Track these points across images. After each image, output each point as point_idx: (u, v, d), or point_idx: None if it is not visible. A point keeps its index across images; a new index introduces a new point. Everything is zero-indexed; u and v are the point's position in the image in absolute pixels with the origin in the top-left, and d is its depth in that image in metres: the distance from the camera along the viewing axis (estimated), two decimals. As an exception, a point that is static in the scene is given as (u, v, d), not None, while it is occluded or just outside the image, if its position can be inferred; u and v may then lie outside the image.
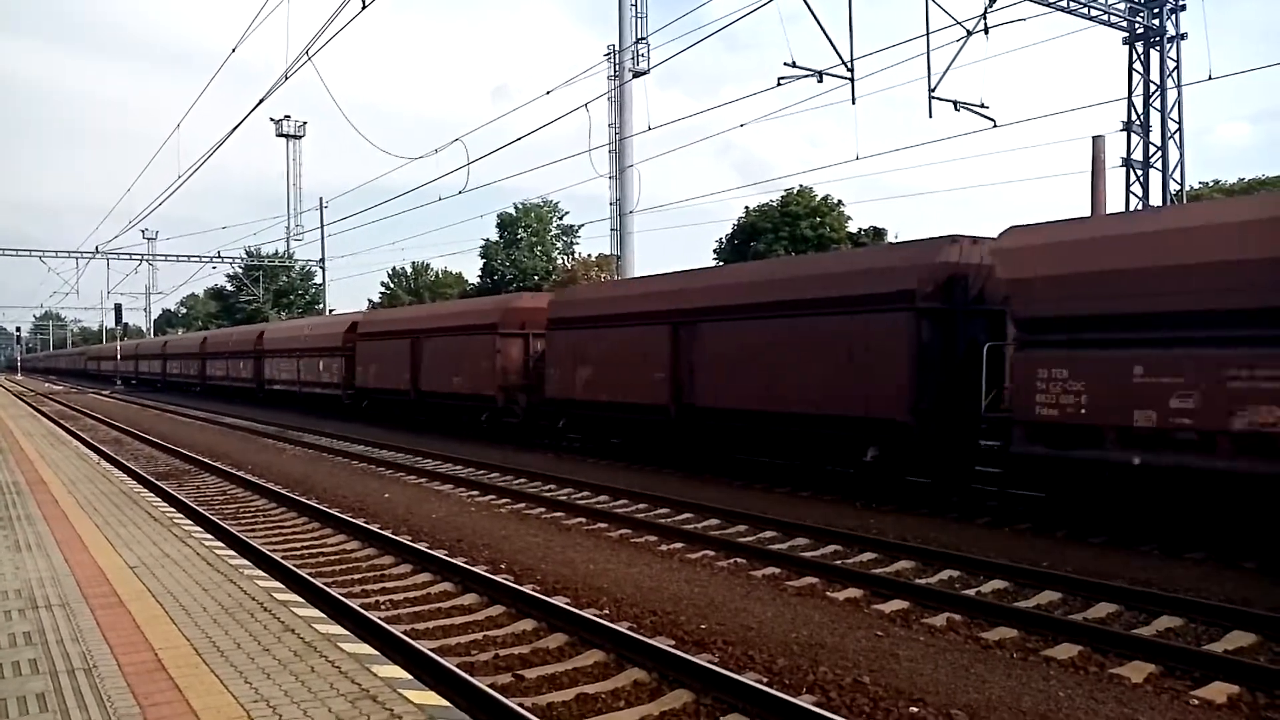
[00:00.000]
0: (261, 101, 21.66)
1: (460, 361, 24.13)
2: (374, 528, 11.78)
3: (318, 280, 67.81)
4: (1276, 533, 9.64)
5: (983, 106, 18.13)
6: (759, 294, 15.68)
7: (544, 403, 21.16)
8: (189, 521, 10.28)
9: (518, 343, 22.66)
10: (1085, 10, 17.95)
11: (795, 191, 59.15)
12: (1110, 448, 10.76)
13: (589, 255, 64.61)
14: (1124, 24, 18.30)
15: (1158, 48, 18.15)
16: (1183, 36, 18.14)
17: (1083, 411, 10.93)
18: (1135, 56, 18.36)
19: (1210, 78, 17.62)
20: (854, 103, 17.49)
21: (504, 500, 14.56)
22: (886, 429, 13.30)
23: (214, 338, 51.88)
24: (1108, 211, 16.20)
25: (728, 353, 15.96)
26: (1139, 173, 18.41)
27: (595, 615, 7.82)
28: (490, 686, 6.02)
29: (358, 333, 30.76)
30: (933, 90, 17.42)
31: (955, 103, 17.91)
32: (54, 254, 56.97)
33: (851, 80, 17.12)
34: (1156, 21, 18.11)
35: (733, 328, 15.95)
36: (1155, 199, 18.42)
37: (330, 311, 60.28)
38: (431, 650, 6.75)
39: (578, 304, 20.94)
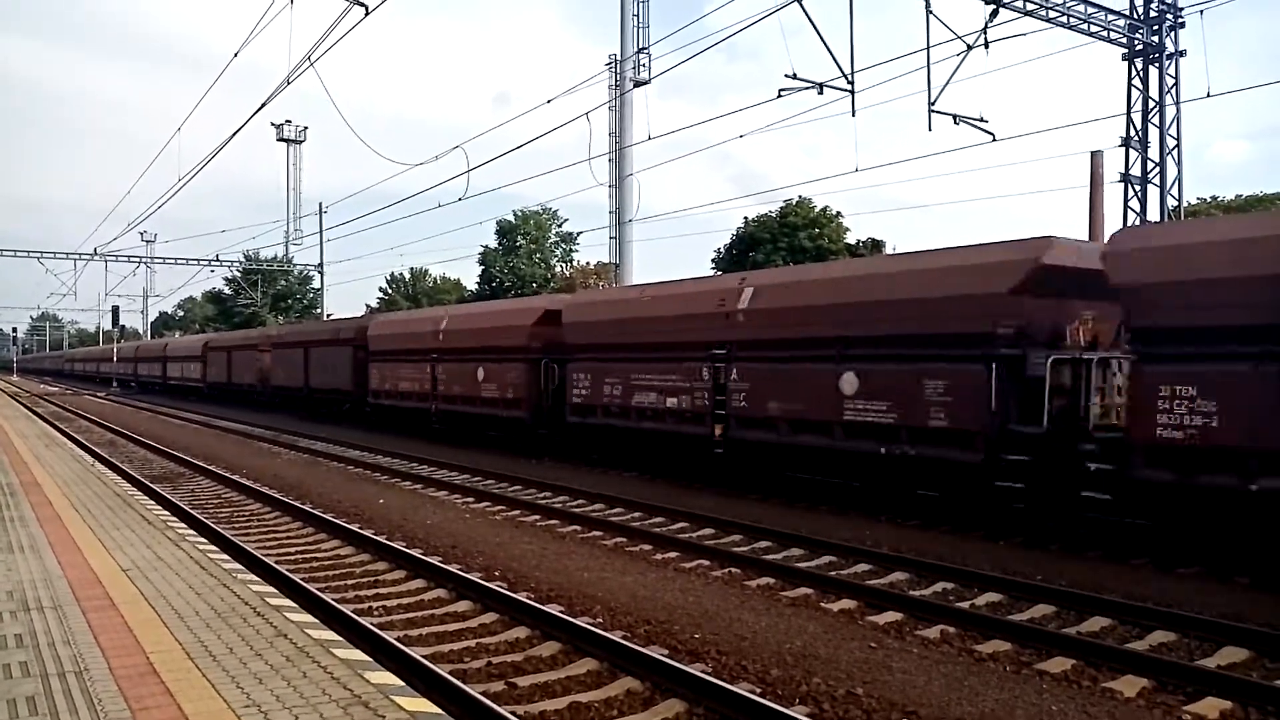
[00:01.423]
0: (263, 106, 21.72)
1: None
2: (368, 533, 11.76)
3: (316, 285, 67.78)
4: None
5: (982, 120, 18.21)
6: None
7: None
8: (183, 525, 10.26)
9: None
10: (1085, 26, 18.04)
11: (794, 202, 59.27)
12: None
13: (588, 263, 64.77)
14: (1123, 40, 18.40)
15: (1157, 64, 18.24)
16: (1181, 53, 18.25)
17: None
18: (1134, 73, 18.45)
19: (1209, 95, 17.71)
20: (854, 115, 17.57)
21: (499, 507, 14.54)
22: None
23: (175, 344, 60.15)
24: (1104, 228, 15.90)
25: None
26: (1137, 188, 18.48)
27: (589, 623, 7.81)
28: (483, 694, 6.01)
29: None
30: (932, 104, 17.49)
31: (955, 116, 17.97)
32: (51, 255, 56.85)
33: (852, 92, 17.19)
34: (1156, 38, 18.21)
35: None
36: (1153, 215, 18.48)
37: (329, 316, 60.30)
38: (424, 657, 6.73)
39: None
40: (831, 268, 19.52)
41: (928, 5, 16.74)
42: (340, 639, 5.97)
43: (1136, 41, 18.33)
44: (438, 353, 25.35)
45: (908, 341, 12.93)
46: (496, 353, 22.79)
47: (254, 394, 40.78)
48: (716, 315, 16.23)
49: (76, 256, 57.32)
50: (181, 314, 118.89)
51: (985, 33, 17.24)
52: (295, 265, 70.74)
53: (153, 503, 12.04)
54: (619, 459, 19.14)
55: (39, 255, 56.08)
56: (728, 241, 61.93)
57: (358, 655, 5.56)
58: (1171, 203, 18.35)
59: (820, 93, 17.29)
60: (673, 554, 11.04)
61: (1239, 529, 10.06)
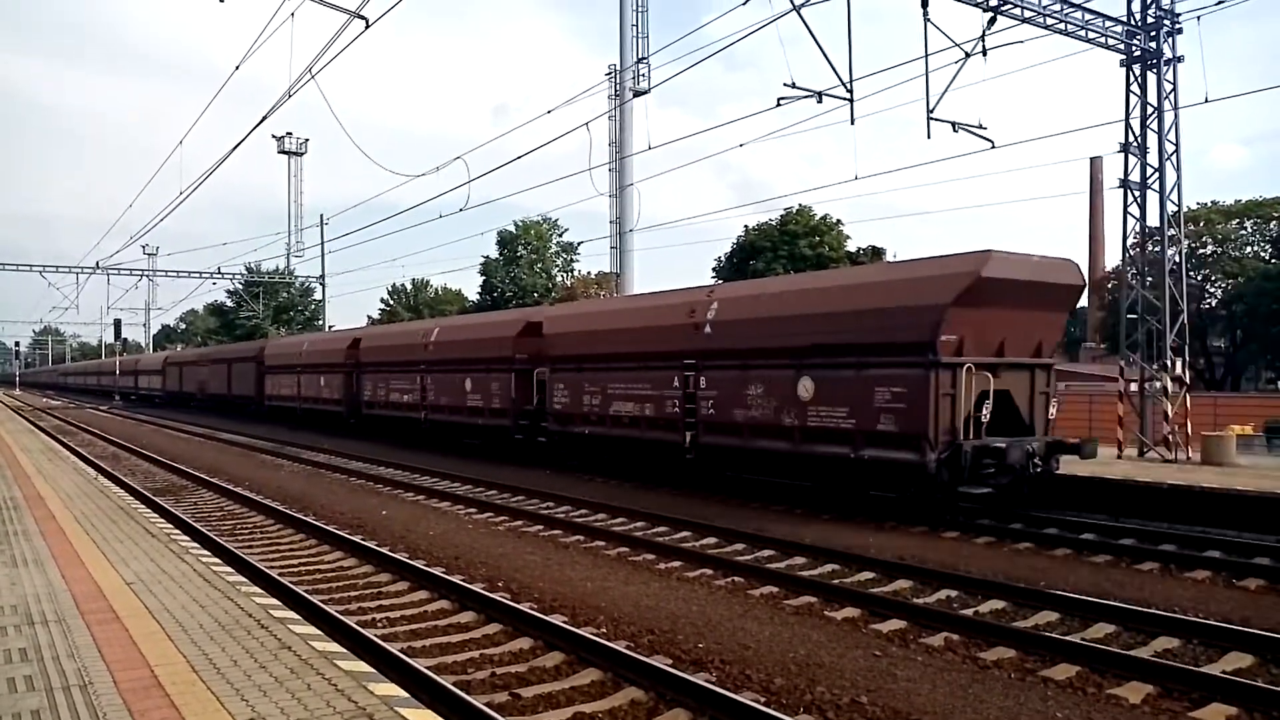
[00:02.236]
0: (264, 119, 21.78)
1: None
2: (371, 545, 11.76)
3: (318, 297, 67.85)
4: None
5: (981, 127, 18.23)
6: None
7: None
8: (186, 538, 10.26)
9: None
10: (1083, 33, 18.08)
11: (794, 210, 59.33)
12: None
13: (589, 273, 64.82)
14: (1121, 46, 18.43)
15: (1155, 70, 18.27)
16: (1179, 59, 18.27)
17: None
18: (1132, 79, 18.48)
19: (1207, 100, 17.74)
20: (853, 123, 17.58)
21: (502, 518, 14.54)
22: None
23: (144, 360, 69.93)
24: (1104, 233, 16.04)
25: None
26: (1136, 194, 18.49)
27: (592, 634, 7.80)
28: (487, 705, 6.01)
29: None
30: (931, 111, 17.51)
31: (954, 124, 17.99)
32: (54, 269, 56.94)
33: (850, 101, 17.22)
34: (1154, 44, 18.24)
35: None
36: (1153, 220, 18.51)
37: (331, 328, 60.38)
38: (428, 668, 6.73)
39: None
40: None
41: (925, 13, 16.76)
42: (344, 651, 5.97)
43: (1134, 47, 18.35)
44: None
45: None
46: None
47: (194, 400, 51.82)
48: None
49: (79, 270, 57.45)
50: (184, 327, 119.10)
51: (983, 40, 17.29)
52: (297, 277, 70.89)
53: (156, 516, 12.04)
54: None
55: (41, 269, 56.23)
56: (728, 250, 61.97)
57: (362, 667, 5.55)
58: (1171, 208, 18.36)
59: (819, 101, 17.31)
60: (676, 563, 11.03)
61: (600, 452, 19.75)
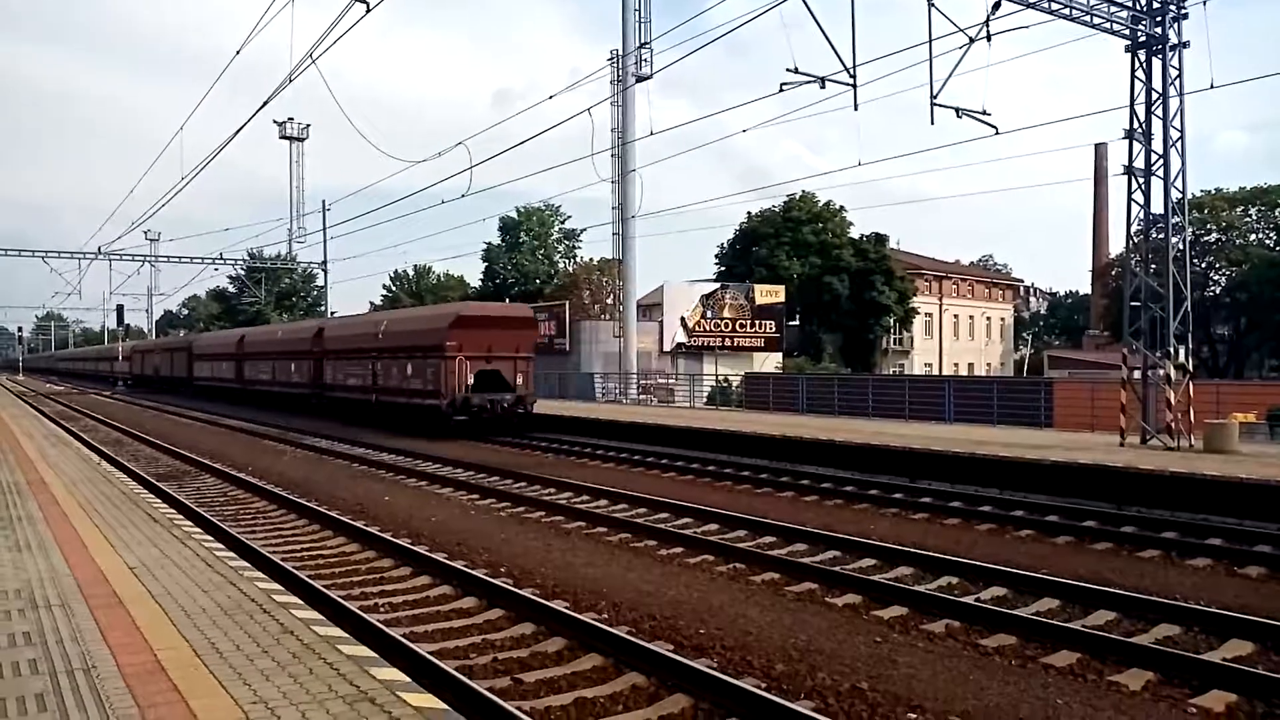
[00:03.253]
0: (265, 104, 21.72)
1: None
2: (374, 531, 11.79)
3: (320, 282, 67.77)
4: None
5: (985, 114, 18.14)
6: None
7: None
8: (189, 523, 10.27)
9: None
10: (1088, 17, 17.95)
11: (797, 197, 59.12)
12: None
13: (591, 259, 64.71)
14: (1126, 32, 18.30)
15: (1160, 56, 18.14)
16: (1185, 45, 18.13)
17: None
18: (1138, 64, 18.36)
19: (1212, 86, 17.58)
20: (856, 109, 17.51)
21: (504, 504, 14.57)
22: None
23: (122, 348, 76.20)
24: (1108, 220, 15.99)
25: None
26: (1141, 180, 18.39)
27: (594, 619, 7.82)
28: (489, 690, 6.04)
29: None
30: (935, 97, 17.43)
31: (957, 110, 17.91)
32: (56, 254, 56.74)
33: (854, 86, 17.14)
34: (1159, 30, 18.11)
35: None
36: (1157, 207, 18.41)
37: (332, 314, 60.42)
38: (430, 653, 6.76)
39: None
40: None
41: (930, -2, 16.67)
42: (347, 636, 5.98)
43: (1140, 33, 18.22)
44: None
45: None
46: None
47: (150, 380, 62.61)
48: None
49: (81, 255, 57.29)
50: (187, 312, 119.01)
51: (988, 25, 17.18)
52: (299, 263, 70.79)
53: (159, 501, 12.07)
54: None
55: (44, 254, 56.04)
56: (731, 237, 61.81)
57: (364, 651, 5.57)
58: (1175, 195, 18.27)
59: (822, 87, 17.23)
60: (677, 549, 11.05)
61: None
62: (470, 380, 25.28)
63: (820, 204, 58.96)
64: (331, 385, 33.63)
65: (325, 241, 57.92)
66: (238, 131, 24.86)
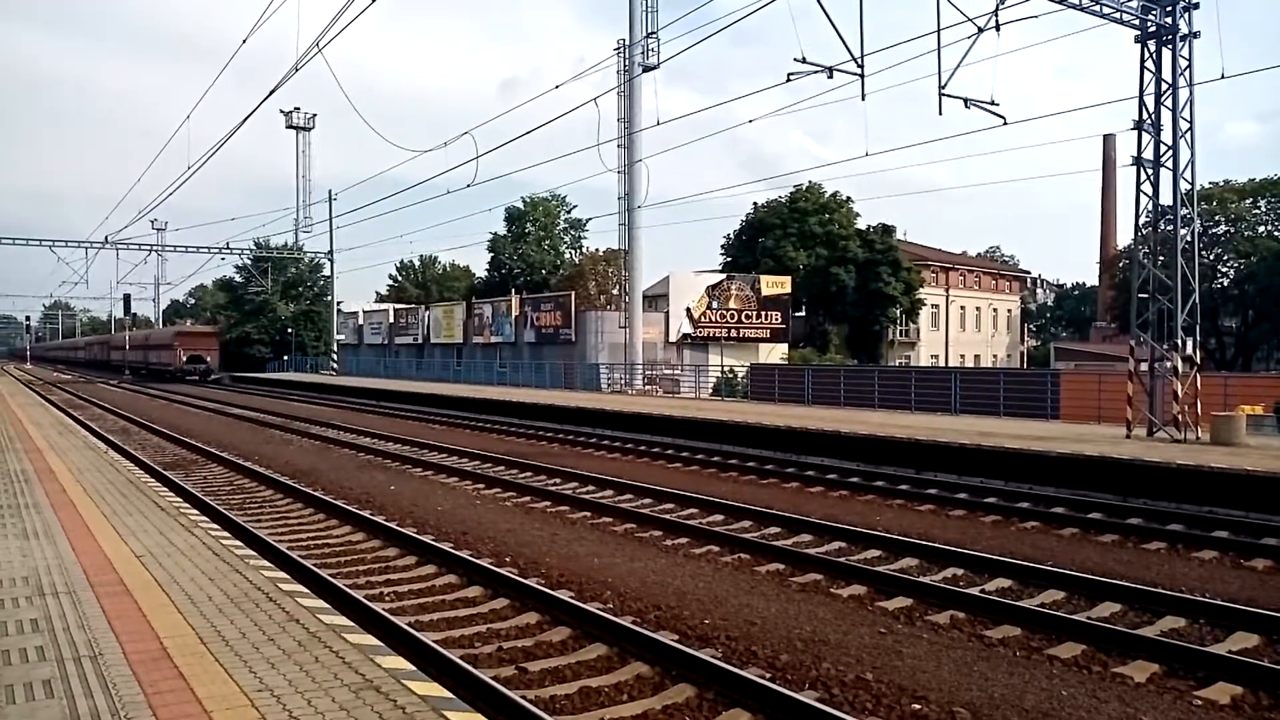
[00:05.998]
0: (272, 93, 21.72)
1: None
2: (379, 520, 11.82)
3: (326, 272, 67.87)
4: None
5: (993, 104, 18.05)
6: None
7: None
8: (196, 511, 10.31)
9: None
10: (1098, 7, 17.83)
11: (804, 188, 58.93)
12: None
13: (597, 249, 64.59)
14: (1136, 22, 18.18)
15: (1170, 46, 18.01)
16: (1195, 35, 18.01)
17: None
18: (1148, 55, 18.23)
19: (1223, 76, 17.48)
20: (864, 99, 17.43)
21: (509, 494, 14.59)
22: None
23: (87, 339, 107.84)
24: (1116, 210, 15.92)
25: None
26: (1149, 171, 18.30)
27: (599, 609, 7.83)
28: (493, 679, 6.05)
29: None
30: (943, 87, 17.34)
31: (966, 100, 17.81)
32: (63, 244, 56.98)
33: (861, 76, 17.06)
34: (1169, 20, 17.98)
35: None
36: (1166, 198, 18.33)
37: (339, 304, 60.60)
38: (435, 642, 6.77)
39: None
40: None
41: (938, -13, 16.57)
42: (352, 624, 6.00)
43: (1150, 23, 18.10)
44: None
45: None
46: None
47: (97, 364, 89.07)
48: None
49: (88, 245, 57.41)
50: (193, 302, 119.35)
51: (996, 14, 17.07)
52: (305, 253, 70.87)
53: (165, 489, 12.10)
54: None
55: (51, 244, 56.28)
56: (738, 227, 61.67)
57: (369, 640, 5.58)
58: (1184, 186, 18.17)
59: (830, 76, 17.15)
60: (683, 539, 11.06)
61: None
62: (184, 358, 62.65)
63: (827, 195, 58.80)
64: (148, 360, 72.35)
65: (331, 231, 58.07)
66: (244, 120, 24.90)
